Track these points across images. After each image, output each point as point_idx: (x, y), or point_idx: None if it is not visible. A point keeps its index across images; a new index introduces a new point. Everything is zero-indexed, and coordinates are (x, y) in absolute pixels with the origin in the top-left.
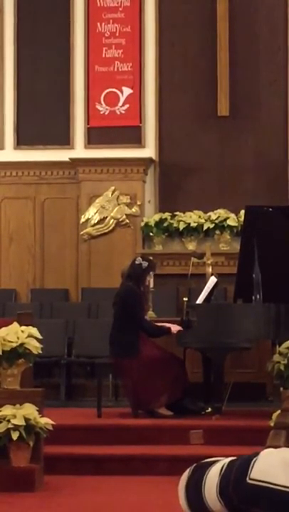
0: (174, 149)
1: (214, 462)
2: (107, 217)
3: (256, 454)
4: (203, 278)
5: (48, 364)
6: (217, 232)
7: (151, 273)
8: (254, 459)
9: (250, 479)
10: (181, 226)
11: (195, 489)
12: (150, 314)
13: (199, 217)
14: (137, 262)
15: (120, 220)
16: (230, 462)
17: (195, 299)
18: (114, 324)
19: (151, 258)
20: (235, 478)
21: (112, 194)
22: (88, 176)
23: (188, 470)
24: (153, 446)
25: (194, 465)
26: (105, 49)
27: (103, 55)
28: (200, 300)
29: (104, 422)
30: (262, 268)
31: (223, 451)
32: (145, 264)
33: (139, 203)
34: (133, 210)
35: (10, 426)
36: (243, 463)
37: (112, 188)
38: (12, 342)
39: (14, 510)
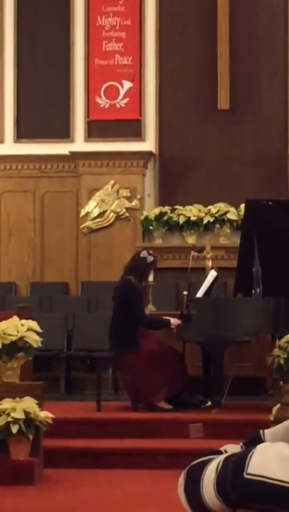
0: (174, 143)
1: (209, 461)
2: (106, 210)
3: (252, 448)
4: (203, 272)
5: (47, 357)
6: (217, 225)
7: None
8: (250, 454)
9: (248, 474)
10: (181, 220)
11: (193, 492)
12: (150, 308)
13: (199, 210)
14: (142, 256)
15: (120, 213)
16: (226, 458)
17: (195, 293)
18: (113, 318)
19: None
20: (232, 474)
21: (111, 188)
22: (88, 170)
23: (182, 474)
24: (152, 439)
25: (187, 468)
26: (105, 42)
27: (103, 49)
28: (200, 294)
29: (103, 415)
30: (262, 262)
31: (223, 445)
32: (150, 258)
33: (139, 196)
34: (133, 203)
35: (10, 419)
36: (240, 458)
37: (112, 181)
38: (12, 335)
39: (14, 504)
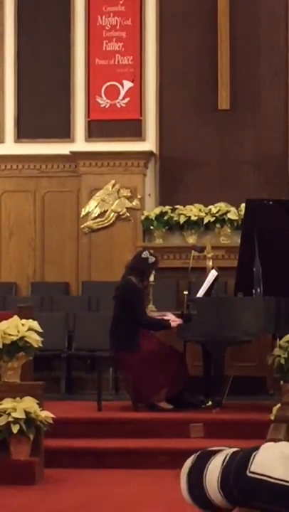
0: (175, 143)
1: (218, 451)
2: (107, 210)
3: (257, 447)
4: (203, 272)
5: (48, 357)
6: (217, 225)
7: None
8: (255, 452)
9: (250, 472)
10: (182, 219)
11: (196, 478)
12: (150, 307)
13: (200, 210)
14: (144, 256)
15: (121, 213)
16: (233, 454)
17: (195, 293)
18: (114, 318)
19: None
20: (235, 471)
21: (112, 187)
22: (89, 169)
23: (192, 457)
24: (153, 439)
25: (198, 452)
26: (106, 42)
27: (104, 48)
28: (200, 293)
29: (104, 415)
30: (262, 261)
31: (224, 445)
32: (152, 259)
33: (139, 196)
34: (133, 203)
35: (10, 419)
36: (244, 456)
37: (113, 181)
38: (12, 335)
39: (14, 503)
